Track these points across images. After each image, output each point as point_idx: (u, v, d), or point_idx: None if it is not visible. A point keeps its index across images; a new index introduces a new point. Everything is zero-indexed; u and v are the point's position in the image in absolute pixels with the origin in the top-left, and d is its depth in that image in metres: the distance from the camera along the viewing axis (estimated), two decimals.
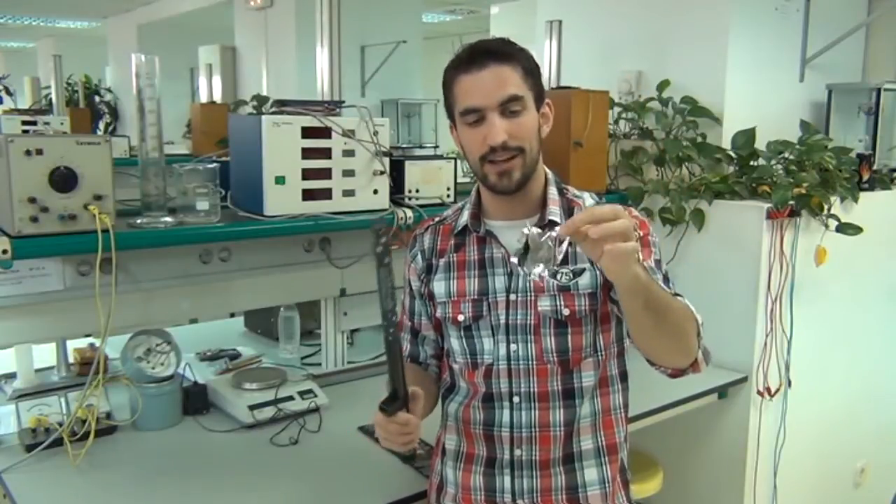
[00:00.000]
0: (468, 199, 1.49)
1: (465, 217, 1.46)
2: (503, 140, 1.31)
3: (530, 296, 1.39)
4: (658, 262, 1.40)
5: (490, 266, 1.42)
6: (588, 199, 1.47)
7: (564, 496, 1.42)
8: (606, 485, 1.44)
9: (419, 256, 1.51)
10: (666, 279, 1.39)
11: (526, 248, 1.14)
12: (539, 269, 1.13)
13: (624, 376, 1.48)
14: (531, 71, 1.35)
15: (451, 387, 1.51)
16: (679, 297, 1.32)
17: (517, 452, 1.41)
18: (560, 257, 1.14)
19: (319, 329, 2.40)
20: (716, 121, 2.59)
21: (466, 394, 1.47)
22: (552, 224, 1.39)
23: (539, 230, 1.14)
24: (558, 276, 1.38)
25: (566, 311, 1.37)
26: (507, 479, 1.42)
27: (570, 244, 1.14)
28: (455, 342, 1.46)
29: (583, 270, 1.38)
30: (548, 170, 1.46)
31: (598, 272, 1.38)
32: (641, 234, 1.40)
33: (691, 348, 1.29)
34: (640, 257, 1.14)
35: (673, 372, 1.34)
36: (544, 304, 1.38)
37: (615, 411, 1.46)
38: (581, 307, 1.38)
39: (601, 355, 1.42)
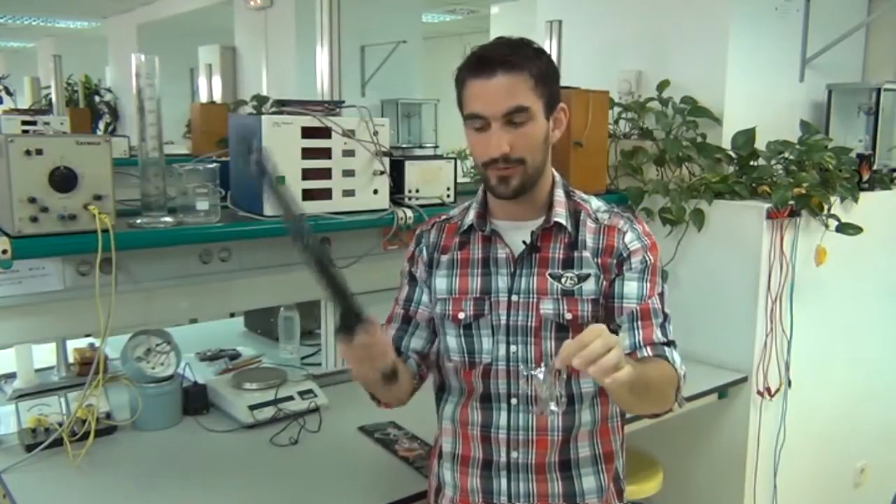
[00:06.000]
0: (474, 199, 1.48)
1: (471, 216, 1.46)
2: (505, 152, 1.31)
3: (533, 298, 1.38)
4: (661, 295, 1.40)
5: (493, 265, 1.42)
6: (594, 201, 1.46)
7: (562, 502, 1.42)
8: (603, 493, 1.44)
9: (425, 251, 1.50)
10: (664, 320, 1.39)
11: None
12: (552, 405, 1.21)
13: None
14: (544, 77, 1.33)
15: (442, 387, 1.51)
16: (668, 352, 1.35)
17: (513, 455, 1.41)
18: (562, 388, 1.24)
19: (319, 329, 2.40)
20: (716, 121, 2.59)
21: (460, 394, 1.46)
22: (558, 226, 1.39)
23: (539, 371, 1.20)
24: (562, 280, 1.37)
25: (568, 316, 1.37)
26: (504, 481, 1.42)
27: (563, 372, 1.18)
28: (452, 340, 1.45)
29: (588, 276, 1.38)
30: (555, 172, 1.45)
31: (602, 277, 1.38)
32: (652, 259, 1.40)
33: (668, 405, 1.36)
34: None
35: (648, 415, 1.45)
36: (547, 307, 1.37)
37: (612, 419, 1.47)
38: (584, 312, 1.37)
39: None
